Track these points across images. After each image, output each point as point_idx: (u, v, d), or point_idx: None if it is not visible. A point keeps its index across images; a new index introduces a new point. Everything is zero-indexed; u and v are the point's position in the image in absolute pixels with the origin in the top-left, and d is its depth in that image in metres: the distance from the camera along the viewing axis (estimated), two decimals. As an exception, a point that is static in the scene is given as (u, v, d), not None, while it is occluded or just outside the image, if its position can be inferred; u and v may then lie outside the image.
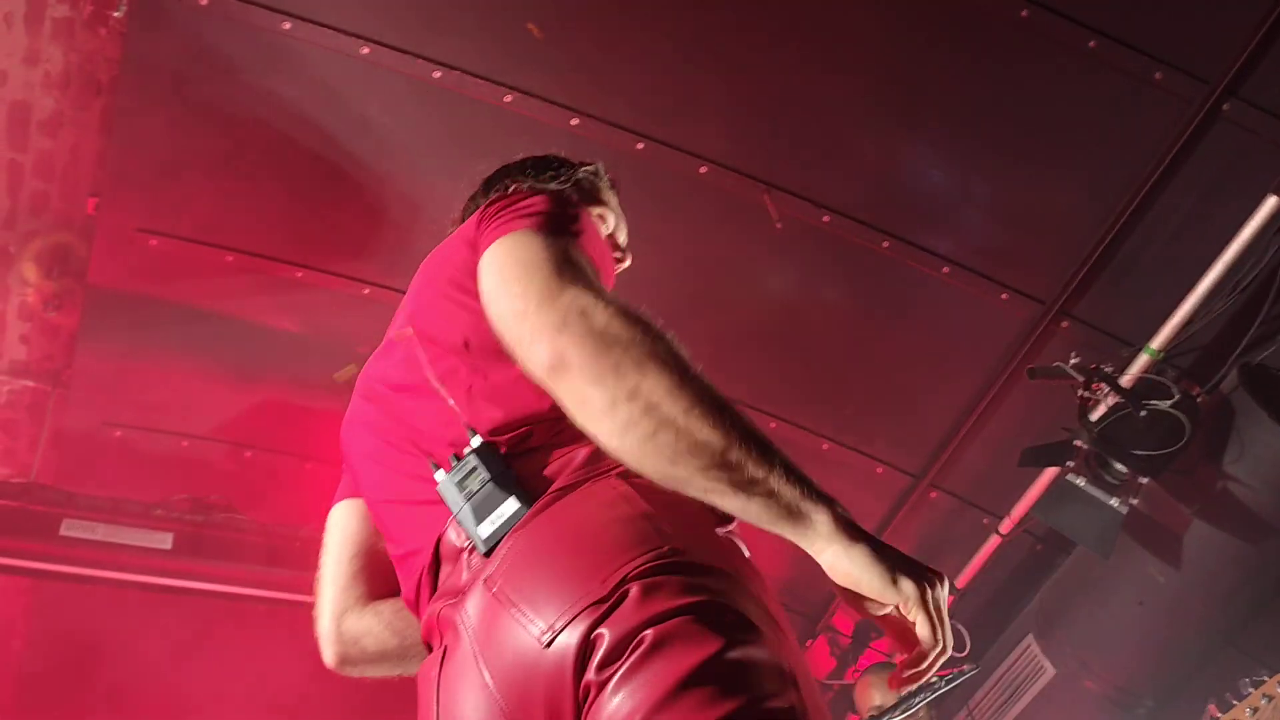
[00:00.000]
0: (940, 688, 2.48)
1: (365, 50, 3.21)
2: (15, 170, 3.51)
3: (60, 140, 3.46)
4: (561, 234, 1.43)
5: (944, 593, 1.31)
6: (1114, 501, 3.23)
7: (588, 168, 2.03)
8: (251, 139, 3.43)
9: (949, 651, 1.30)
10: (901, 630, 1.32)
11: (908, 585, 1.28)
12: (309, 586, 4.03)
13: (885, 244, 3.61)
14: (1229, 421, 3.17)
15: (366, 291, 3.76)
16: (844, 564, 1.29)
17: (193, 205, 3.54)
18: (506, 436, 1.40)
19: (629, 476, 1.34)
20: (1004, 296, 3.66)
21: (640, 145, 3.44)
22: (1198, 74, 3.16)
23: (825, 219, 3.58)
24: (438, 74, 3.27)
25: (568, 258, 1.37)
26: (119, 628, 4.16)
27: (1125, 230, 3.44)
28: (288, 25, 3.14)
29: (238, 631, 4.23)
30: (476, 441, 1.39)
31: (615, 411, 1.21)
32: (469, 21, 3.24)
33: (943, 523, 4.26)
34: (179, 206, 3.53)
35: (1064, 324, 3.66)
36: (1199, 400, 3.24)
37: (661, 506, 1.30)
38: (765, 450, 1.25)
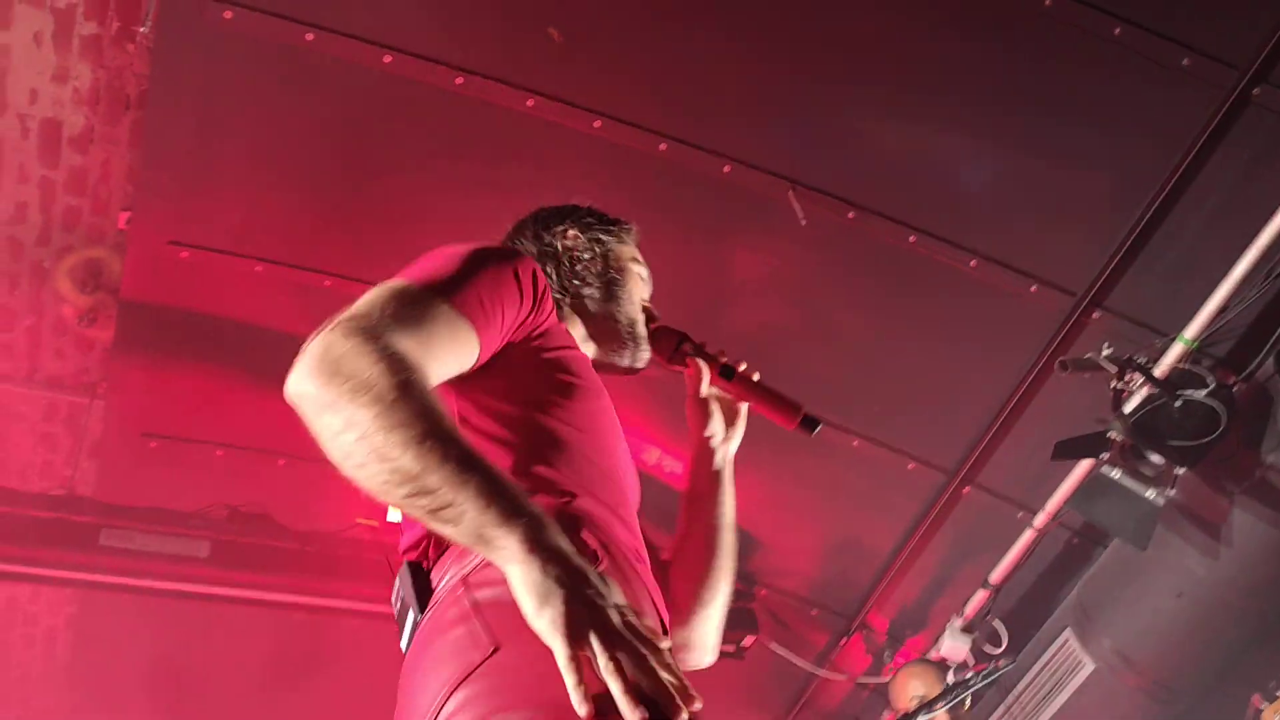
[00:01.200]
0: (975, 684, 2.48)
1: (388, 59, 3.23)
2: (48, 187, 3.57)
3: (91, 156, 3.51)
4: (407, 282, 1.46)
5: (627, 660, 1.13)
6: (1150, 493, 3.20)
7: (589, 220, 2.03)
8: (278, 149, 3.46)
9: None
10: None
11: (553, 625, 1.16)
12: (344, 592, 4.07)
13: (912, 239, 3.59)
14: (1266, 409, 3.13)
15: (394, 298, 3.78)
16: (514, 584, 1.21)
17: (222, 217, 3.58)
18: (414, 554, 1.54)
19: (469, 584, 1.37)
20: (1033, 289, 3.63)
21: (663, 146, 3.44)
22: (1226, 60, 3.12)
23: (850, 215, 3.56)
24: (459, 80, 3.29)
25: (373, 300, 1.39)
26: (159, 636, 4.22)
27: (1156, 219, 3.41)
28: (311, 36, 3.17)
29: (274, 637, 4.28)
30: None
31: (336, 442, 1.26)
32: (489, 27, 3.25)
33: (976, 519, 4.22)
34: (209, 218, 3.57)
35: (1095, 315, 3.62)
36: (1235, 388, 3.20)
37: (493, 609, 1.31)
38: (461, 476, 1.22)
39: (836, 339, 3.88)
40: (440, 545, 1.49)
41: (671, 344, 1.94)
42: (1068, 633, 3.75)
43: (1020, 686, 4.03)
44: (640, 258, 2.06)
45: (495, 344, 1.52)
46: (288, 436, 4.25)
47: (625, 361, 1.93)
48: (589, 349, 1.91)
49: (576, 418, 1.58)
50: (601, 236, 1.99)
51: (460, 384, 1.51)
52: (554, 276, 1.92)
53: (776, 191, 3.51)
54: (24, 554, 3.64)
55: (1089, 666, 3.66)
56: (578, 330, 1.90)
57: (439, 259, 1.53)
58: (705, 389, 1.93)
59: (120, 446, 4.01)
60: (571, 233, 1.98)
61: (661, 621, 1.53)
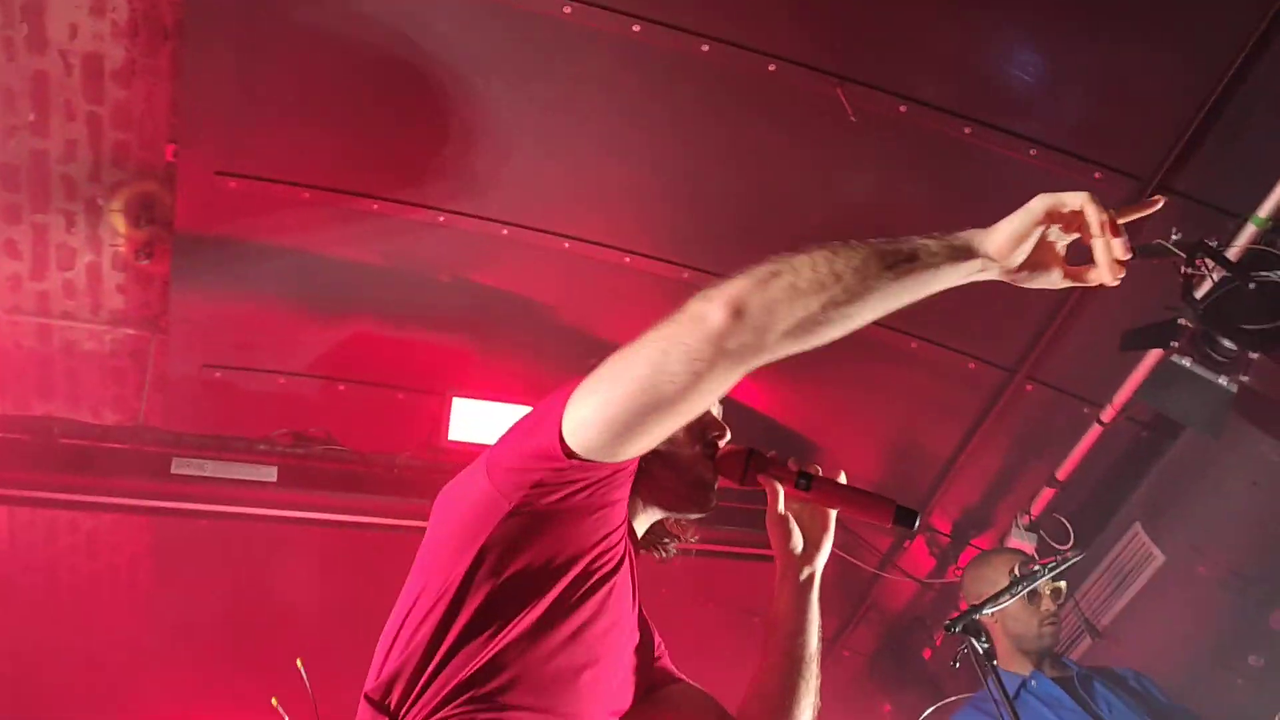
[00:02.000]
0: (1043, 575, 2.46)
1: (422, -27, 3.17)
2: (94, 122, 3.58)
3: (134, 89, 3.51)
4: None
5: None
6: (1223, 380, 3.11)
7: None
8: (318, 74, 3.43)
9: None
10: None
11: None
12: (407, 512, 4.14)
13: (967, 130, 3.48)
14: (1345, 288, 3.01)
15: (441, 219, 3.77)
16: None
17: (267, 145, 3.58)
18: (375, 695, 1.61)
19: None
20: (1097, 175, 3.51)
21: (705, 47, 3.35)
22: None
23: (902, 109, 3.45)
24: (495, -9, 3.22)
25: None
26: (233, 560, 4.35)
27: (1225, 96, 3.26)
28: (343, -47, 3.12)
29: (342, 557, 4.39)
30: None
31: (817, 298, 1.37)
32: (523, -68, 3.17)
33: (1040, 416, 4.16)
34: (254, 147, 3.57)
35: (1163, 200, 3.48)
36: (1311, 268, 3.08)
37: None
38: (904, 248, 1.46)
39: (892, 237, 3.79)
40: (404, 695, 1.55)
41: (739, 468, 1.80)
42: (1137, 526, 3.71)
43: (1089, 581, 4.02)
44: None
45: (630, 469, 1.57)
46: (346, 362, 4.33)
47: (694, 514, 1.85)
48: (647, 516, 1.83)
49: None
50: None
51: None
52: None
53: (824, 89, 3.41)
54: (102, 484, 3.76)
55: (1160, 559, 3.63)
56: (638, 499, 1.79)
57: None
58: (782, 507, 1.81)
59: (185, 378, 4.09)
60: None
61: None
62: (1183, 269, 3.18)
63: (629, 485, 1.60)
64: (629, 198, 3.84)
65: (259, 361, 4.12)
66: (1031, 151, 3.49)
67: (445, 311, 4.09)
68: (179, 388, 4.11)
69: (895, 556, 4.66)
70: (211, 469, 3.81)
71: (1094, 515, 4.17)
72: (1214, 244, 3.17)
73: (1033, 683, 3.16)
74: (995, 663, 2.31)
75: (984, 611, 2.39)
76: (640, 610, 1.82)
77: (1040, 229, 1.44)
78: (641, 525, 1.84)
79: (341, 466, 4.02)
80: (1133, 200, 3.44)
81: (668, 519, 1.87)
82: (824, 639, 1.86)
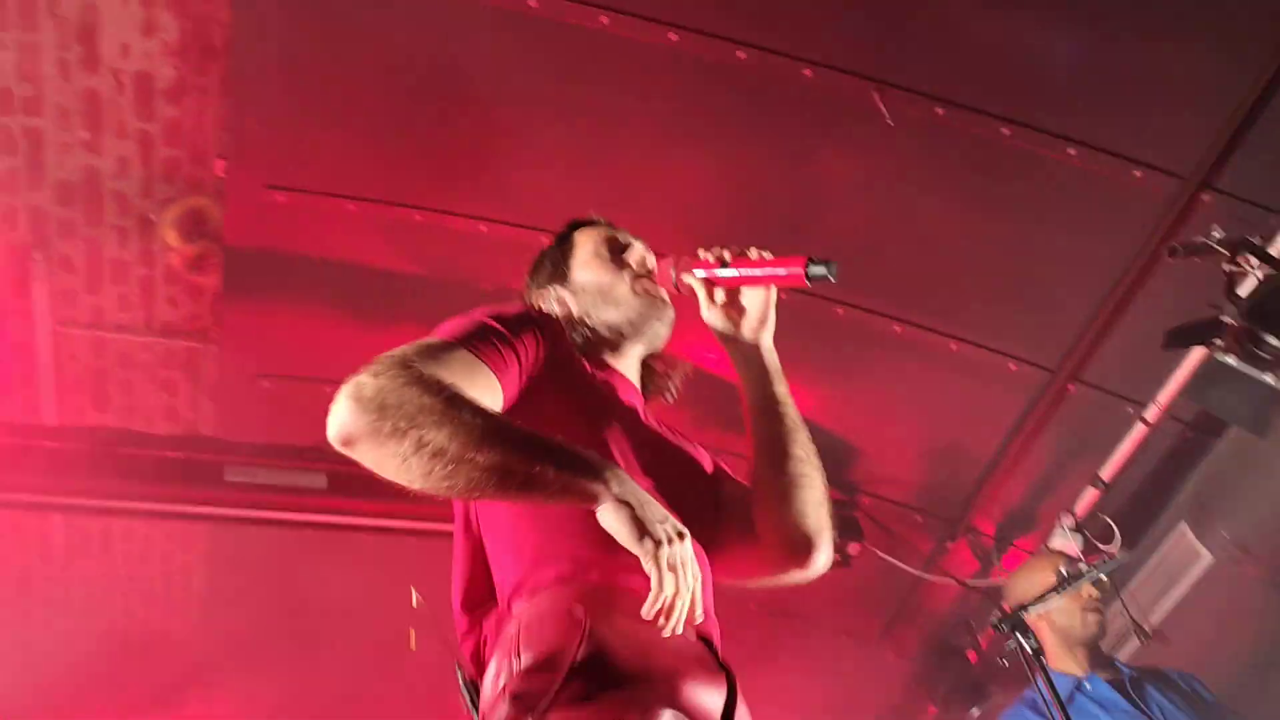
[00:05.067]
0: (1090, 575, 2.46)
1: (463, -13, 3.22)
2: (146, 140, 3.68)
3: (184, 107, 3.60)
4: (426, 339, 1.61)
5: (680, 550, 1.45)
6: (1269, 377, 3.08)
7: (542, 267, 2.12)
8: (361, 88, 3.50)
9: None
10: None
11: (644, 549, 1.44)
12: (452, 517, 4.20)
13: (1006, 131, 3.47)
14: (1392, 284, 2.97)
15: (484, 229, 3.83)
16: (607, 520, 1.47)
17: (313, 159, 3.65)
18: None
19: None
20: (1138, 174, 3.49)
21: (742, 54, 3.37)
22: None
23: (940, 111, 3.46)
24: (533, 2, 3.26)
25: (396, 350, 1.53)
26: (285, 566, 4.43)
27: (1269, 91, 3.22)
28: (386, -30, 3.18)
29: (390, 563, 4.45)
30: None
31: (409, 465, 1.41)
32: (560, -53, 3.21)
33: (1084, 417, 4.13)
34: (301, 161, 3.64)
35: (1205, 197, 3.47)
36: (1359, 264, 3.04)
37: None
38: (536, 452, 1.44)
39: (931, 241, 3.80)
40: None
41: (668, 280, 1.88)
42: (1183, 526, 3.68)
43: (1135, 582, 3.99)
44: (602, 233, 2.07)
45: (514, 386, 1.63)
46: (391, 370, 4.38)
47: (659, 335, 1.94)
48: (632, 350, 1.94)
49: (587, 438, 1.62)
50: (554, 272, 2.04)
51: None
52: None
53: (861, 93, 3.42)
54: (157, 492, 3.84)
55: (1206, 559, 3.60)
56: (608, 350, 1.92)
57: (454, 322, 1.67)
58: (706, 301, 1.85)
59: (236, 387, 4.17)
60: (537, 296, 2.02)
61: None
62: (1225, 266, 3.16)
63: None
64: (667, 204, 3.86)
65: (308, 370, 4.19)
66: (1071, 151, 3.48)
67: (488, 320, 4.14)
68: (230, 397, 4.20)
69: (938, 559, 4.64)
70: (263, 476, 3.89)
71: (1140, 516, 4.13)
72: (1257, 240, 3.14)
73: (1088, 685, 3.14)
74: (1043, 660, 2.32)
75: (1031, 609, 2.40)
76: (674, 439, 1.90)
77: None
78: (631, 370, 1.93)
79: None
80: (1175, 198, 3.45)
81: (647, 355, 1.96)
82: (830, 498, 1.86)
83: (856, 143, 3.59)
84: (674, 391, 2.00)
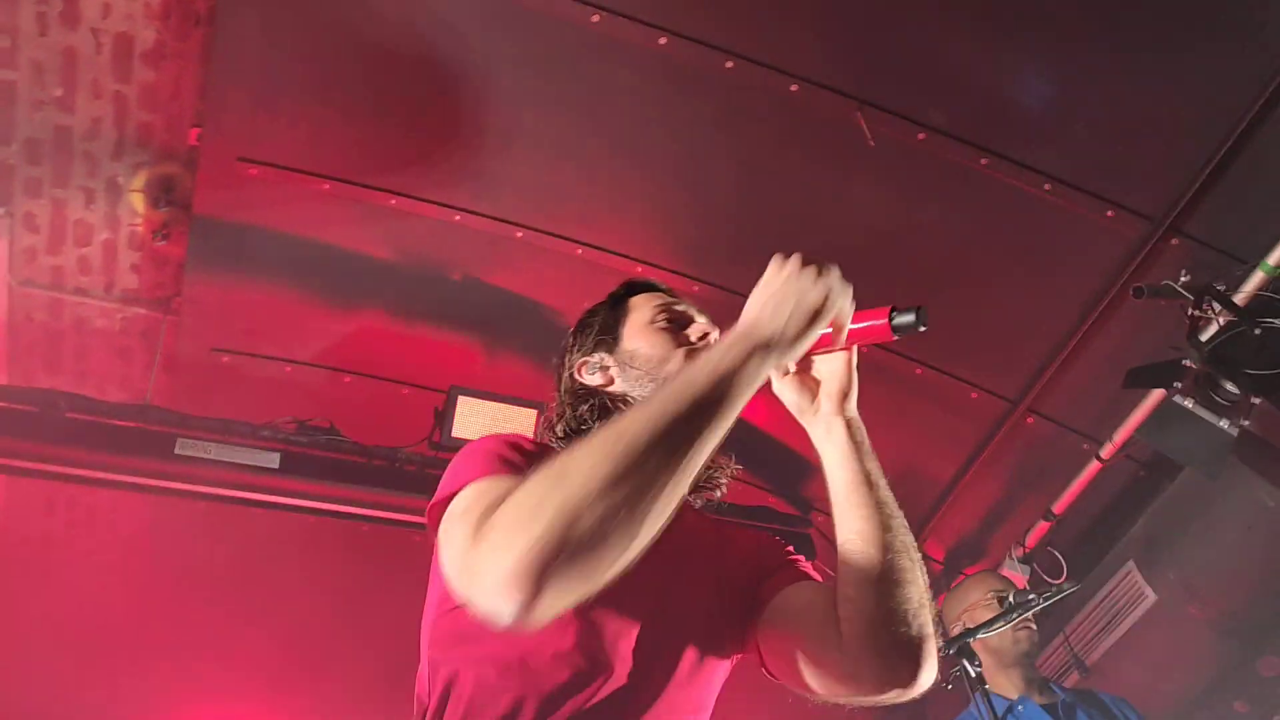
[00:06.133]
0: (1038, 603, 2.47)
1: (451, -27, 3.20)
2: (121, 102, 3.62)
3: (163, 72, 3.54)
4: (473, 480, 1.42)
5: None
6: (1224, 423, 3.13)
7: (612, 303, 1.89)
8: (343, 68, 3.46)
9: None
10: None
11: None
12: (405, 506, 4.15)
13: (983, 161, 3.50)
14: (1350, 340, 3.02)
15: (457, 218, 3.80)
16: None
17: (289, 134, 3.61)
18: None
19: None
20: (1110, 214, 3.53)
21: (730, 64, 3.38)
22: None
23: (920, 136, 3.48)
24: (524, -5, 3.25)
25: (465, 524, 1.32)
26: (231, 544, 4.36)
27: (1241, 142, 3.28)
28: (376, -50, 3.15)
29: (342, 548, 4.41)
30: None
31: (579, 525, 1.18)
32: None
33: (1040, 449, 4.17)
34: (276, 136, 3.60)
35: (1173, 241, 3.52)
36: (1317, 318, 3.09)
37: None
38: (658, 423, 1.24)
39: (901, 264, 3.82)
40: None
41: None
42: (1130, 564, 3.72)
43: (1079, 617, 4.02)
44: (662, 301, 1.84)
45: None
46: (353, 354, 4.36)
47: None
48: None
49: None
50: (602, 336, 1.80)
51: None
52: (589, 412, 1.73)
53: (844, 112, 3.44)
54: (105, 460, 3.77)
55: (1151, 598, 3.63)
56: None
57: (468, 462, 1.49)
58: (775, 373, 1.58)
59: (193, 360, 4.11)
60: (579, 361, 1.80)
61: None
62: (1190, 311, 3.21)
63: None
64: (645, 208, 3.87)
65: (267, 348, 4.15)
66: (1046, 186, 3.51)
67: (455, 310, 4.12)
68: (186, 369, 4.14)
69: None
70: (215, 452, 3.82)
71: (1088, 551, 4.18)
72: (1222, 288, 3.19)
73: (1020, 708, 3.17)
74: (986, 685, 2.33)
75: (977, 635, 2.41)
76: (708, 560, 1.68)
77: None
78: None
79: (343, 457, 4.04)
80: (1144, 240, 3.49)
81: None
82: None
83: (837, 161, 3.61)
84: (723, 489, 1.75)
